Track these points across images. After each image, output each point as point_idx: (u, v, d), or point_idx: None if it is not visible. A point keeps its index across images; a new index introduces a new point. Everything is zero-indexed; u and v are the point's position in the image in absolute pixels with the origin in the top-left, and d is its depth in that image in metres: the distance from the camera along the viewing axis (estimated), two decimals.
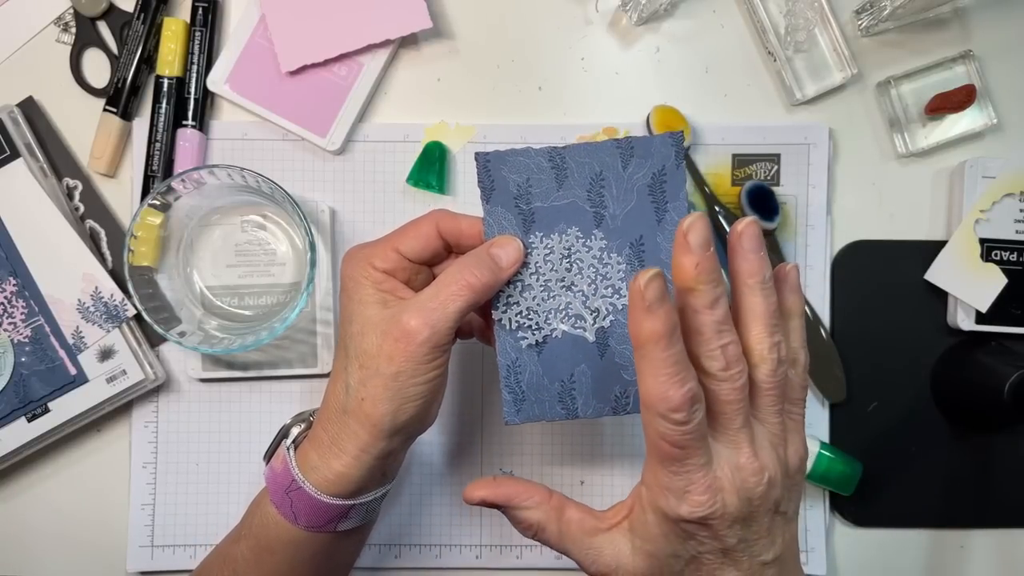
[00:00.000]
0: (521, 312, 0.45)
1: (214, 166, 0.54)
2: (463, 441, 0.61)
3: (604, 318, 0.45)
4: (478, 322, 0.50)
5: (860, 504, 0.60)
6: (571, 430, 0.60)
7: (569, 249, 0.45)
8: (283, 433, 0.48)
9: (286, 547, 0.46)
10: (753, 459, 0.37)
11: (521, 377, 0.45)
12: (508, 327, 0.45)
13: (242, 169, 0.54)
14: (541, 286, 0.45)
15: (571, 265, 0.45)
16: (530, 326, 0.45)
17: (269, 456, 0.49)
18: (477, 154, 0.44)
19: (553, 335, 0.45)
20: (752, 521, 0.38)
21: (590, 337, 0.45)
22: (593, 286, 0.45)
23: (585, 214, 0.44)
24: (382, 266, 0.45)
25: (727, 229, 0.60)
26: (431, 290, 0.43)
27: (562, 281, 0.45)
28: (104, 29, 0.61)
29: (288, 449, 0.46)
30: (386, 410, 0.43)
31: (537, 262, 0.45)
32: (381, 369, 0.42)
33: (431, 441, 0.61)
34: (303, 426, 0.47)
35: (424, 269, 0.47)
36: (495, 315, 0.45)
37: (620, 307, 0.45)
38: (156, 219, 0.56)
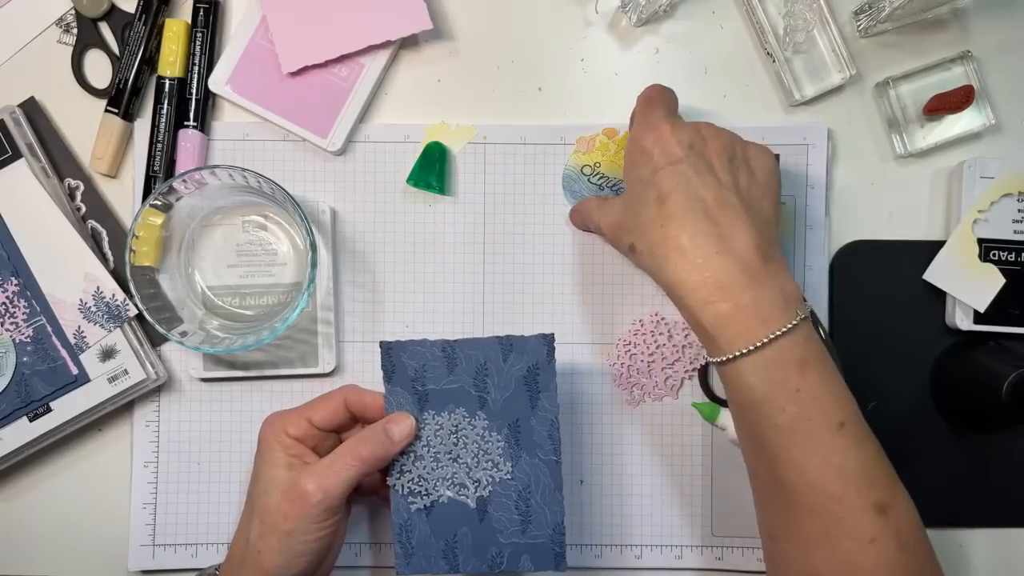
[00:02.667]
0: (413, 479, 0.51)
1: (215, 166, 0.54)
2: None
3: (484, 488, 0.51)
4: (374, 482, 0.55)
5: None
6: (570, 430, 0.61)
7: (457, 426, 0.51)
8: None
9: None
10: None
11: (412, 535, 0.51)
12: (401, 492, 0.51)
13: (243, 170, 0.54)
14: (431, 457, 0.51)
15: (458, 440, 0.51)
16: (420, 492, 0.51)
17: None
18: (381, 342, 0.52)
19: (440, 500, 0.51)
20: None
21: (471, 504, 0.51)
22: (476, 459, 0.51)
23: (471, 397, 0.52)
24: (294, 432, 0.50)
25: None
26: (329, 459, 0.48)
27: (449, 454, 0.51)
28: (105, 30, 0.61)
29: None
30: (278, 563, 0.47)
31: (428, 436, 0.51)
32: (278, 525, 0.47)
33: None
34: None
35: (332, 436, 0.52)
36: (389, 481, 0.51)
37: (498, 479, 0.52)
38: (157, 219, 0.56)
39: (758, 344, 0.44)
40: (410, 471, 0.51)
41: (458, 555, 0.51)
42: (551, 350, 0.51)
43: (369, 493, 0.56)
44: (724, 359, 0.45)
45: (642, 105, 0.52)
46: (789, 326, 0.45)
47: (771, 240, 0.47)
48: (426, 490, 0.51)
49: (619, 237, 0.51)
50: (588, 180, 0.59)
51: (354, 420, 0.53)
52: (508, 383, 0.51)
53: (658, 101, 0.52)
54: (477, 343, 0.51)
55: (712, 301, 0.45)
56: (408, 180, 0.60)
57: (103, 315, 0.58)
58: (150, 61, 0.60)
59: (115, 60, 0.61)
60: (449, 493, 0.51)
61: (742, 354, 0.45)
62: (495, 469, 0.51)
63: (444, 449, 0.51)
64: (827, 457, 0.44)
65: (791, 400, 0.44)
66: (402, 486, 0.51)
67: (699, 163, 0.47)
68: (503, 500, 0.51)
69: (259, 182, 0.55)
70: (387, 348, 0.51)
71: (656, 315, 0.61)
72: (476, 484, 0.51)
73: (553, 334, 0.51)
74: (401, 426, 0.50)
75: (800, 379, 0.45)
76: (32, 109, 0.60)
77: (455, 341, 0.51)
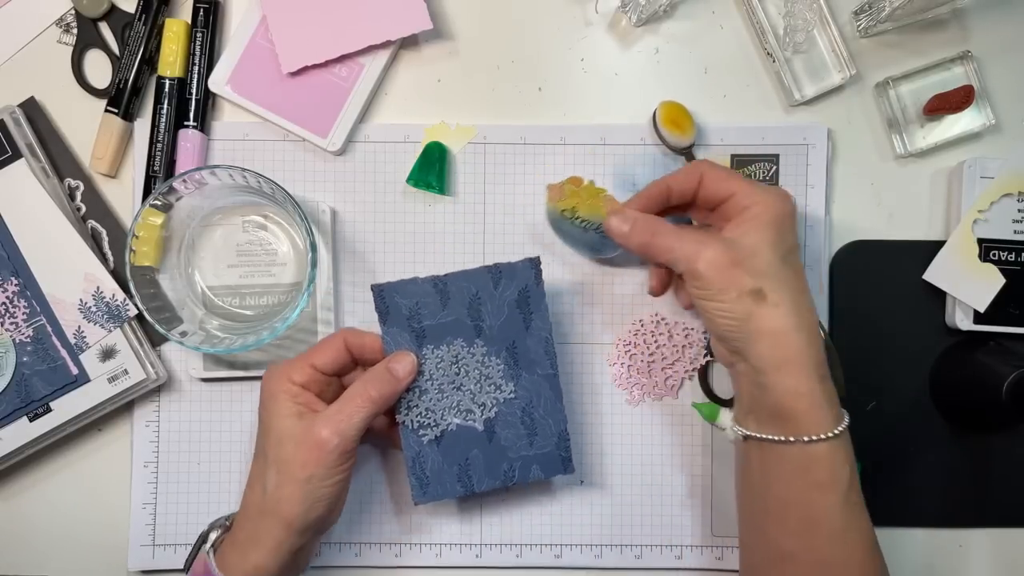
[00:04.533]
0: (421, 413, 0.53)
1: (215, 167, 0.54)
2: None
3: (490, 410, 0.54)
4: (380, 424, 0.56)
5: None
6: (571, 430, 0.61)
7: (456, 357, 0.53)
8: (202, 539, 0.53)
9: None
10: None
11: (425, 465, 0.53)
12: (411, 427, 0.53)
13: (243, 170, 0.54)
14: (436, 389, 0.53)
15: (459, 369, 0.53)
16: (429, 424, 0.53)
17: (189, 563, 0.53)
18: (372, 286, 0.53)
19: (449, 429, 0.53)
20: None
21: (479, 427, 0.54)
22: (479, 385, 0.54)
23: (467, 327, 0.53)
24: (299, 379, 0.51)
25: None
26: (339, 404, 0.50)
27: (452, 383, 0.53)
28: (105, 30, 0.61)
29: (208, 552, 0.51)
30: (299, 510, 0.49)
31: (431, 370, 0.53)
32: (295, 474, 0.48)
33: None
34: (220, 531, 0.52)
35: (335, 381, 0.54)
36: (399, 418, 0.53)
37: (502, 400, 0.54)
38: (157, 219, 0.56)
39: (843, 426, 0.49)
40: (417, 405, 0.53)
41: (472, 476, 0.53)
42: (538, 272, 0.54)
43: (378, 435, 0.57)
44: (818, 437, 0.48)
45: (736, 174, 0.53)
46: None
47: None
48: (434, 421, 0.53)
49: (734, 275, 0.48)
50: (571, 223, 0.57)
51: (355, 363, 0.54)
52: (501, 309, 0.53)
53: None
54: (468, 275, 0.53)
55: (823, 376, 0.48)
56: (408, 180, 0.60)
57: (103, 315, 0.58)
58: (150, 61, 0.60)
59: (115, 60, 0.61)
60: (457, 420, 0.53)
61: (836, 435, 0.48)
62: (498, 391, 0.53)
63: (447, 380, 0.53)
64: (871, 535, 0.50)
65: (856, 479, 0.49)
66: (411, 421, 0.53)
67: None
68: (509, 419, 0.54)
69: (259, 182, 0.55)
70: (379, 290, 0.53)
71: (656, 315, 0.61)
72: (482, 408, 0.53)
73: (539, 257, 0.54)
74: (403, 364, 0.51)
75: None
76: (32, 109, 0.60)
77: (445, 275, 0.53)
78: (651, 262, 0.56)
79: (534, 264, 0.54)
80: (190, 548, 0.60)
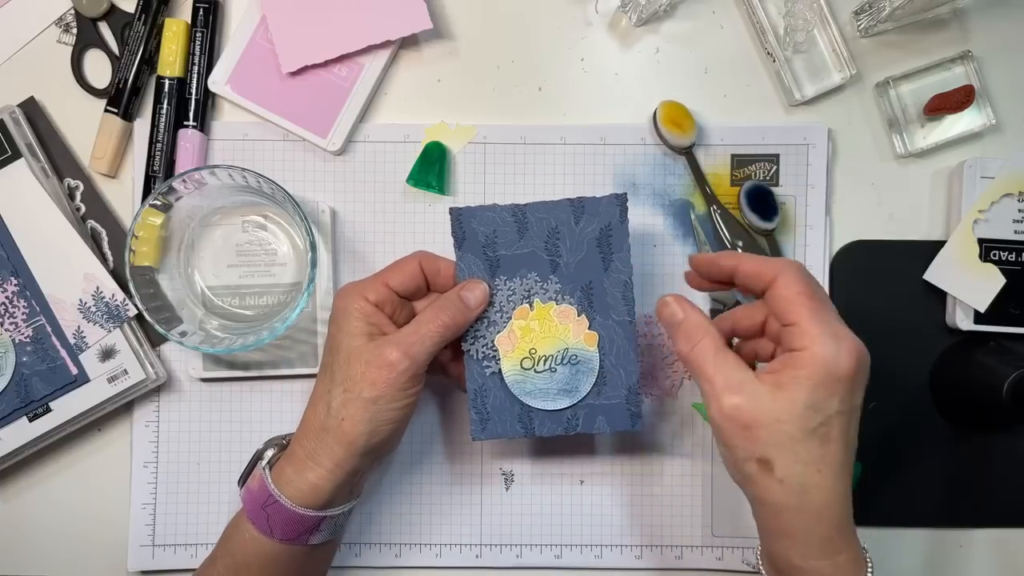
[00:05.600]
0: (487, 344, 0.51)
1: (215, 166, 0.54)
2: (463, 441, 0.61)
3: None
4: (444, 358, 0.54)
5: (859, 503, 0.59)
6: None
7: (529, 291, 0.51)
8: (257, 456, 0.52)
9: (262, 563, 0.50)
10: None
11: (486, 400, 0.51)
12: (476, 357, 0.51)
13: (243, 169, 0.54)
14: (505, 322, 0.51)
15: (531, 304, 0.51)
16: (494, 356, 0.51)
17: (243, 480, 0.52)
18: (451, 208, 0.51)
19: None
20: None
21: None
22: None
23: (543, 262, 0.51)
24: (374, 298, 0.50)
25: (723, 229, 0.60)
26: (411, 327, 0.49)
27: None
28: (105, 30, 0.61)
29: (264, 469, 0.50)
30: (363, 430, 0.48)
31: (501, 302, 0.51)
32: (363, 394, 0.48)
33: (432, 442, 0.61)
34: (276, 449, 0.51)
35: (407, 305, 0.52)
36: (464, 347, 0.51)
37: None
38: (157, 219, 0.56)
39: None
40: (484, 336, 0.51)
41: (533, 419, 0.51)
42: (624, 210, 0.51)
43: (441, 369, 0.55)
44: None
45: (811, 301, 0.44)
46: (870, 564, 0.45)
47: None
48: (500, 354, 0.51)
49: (746, 436, 0.43)
50: (535, 371, 0.51)
51: (428, 288, 0.53)
52: (580, 245, 0.51)
53: (824, 295, 0.46)
54: (548, 206, 0.51)
55: (833, 551, 0.44)
56: (408, 180, 0.60)
57: (103, 315, 0.58)
58: (150, 61, 0.60)
59: (115, 60, 0.61)
60: None
61: None
62: None
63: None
64: None
65: None
66: (476, 351, 0.51)
67: (857, 412, 0.44)
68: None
69: (259, 182, 0.55)
70: (457, 214, 0.51)
71: (654, 316, 0.60)
72: None
73: (625, 193, 0.51)
74: (475, 292, 0.50)
75: None
76: (32, 109, 0.60)
77: (526, 205, 0.51)
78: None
79: (620, 201, 0.50)
80: (190, 547, 0.60)
